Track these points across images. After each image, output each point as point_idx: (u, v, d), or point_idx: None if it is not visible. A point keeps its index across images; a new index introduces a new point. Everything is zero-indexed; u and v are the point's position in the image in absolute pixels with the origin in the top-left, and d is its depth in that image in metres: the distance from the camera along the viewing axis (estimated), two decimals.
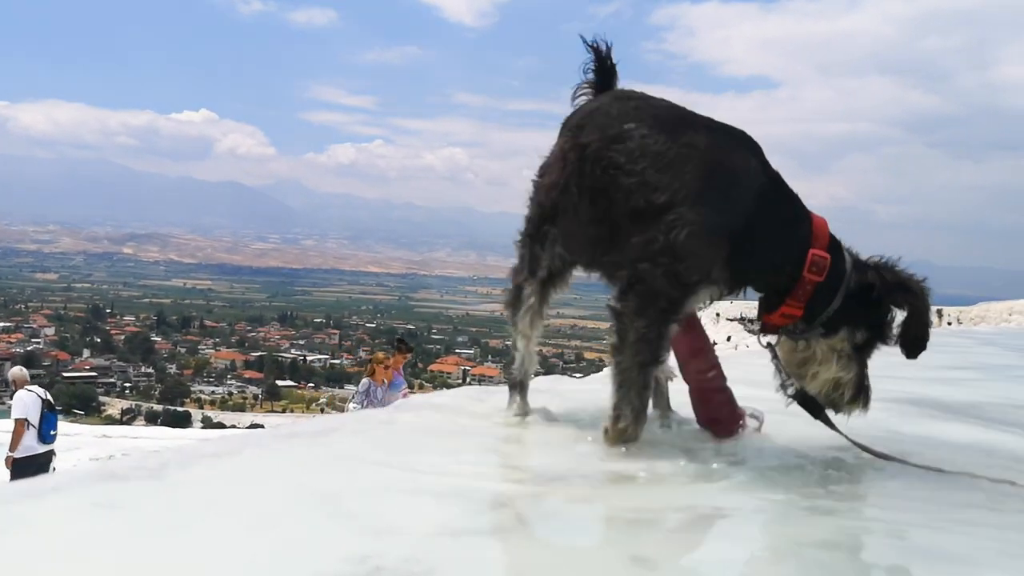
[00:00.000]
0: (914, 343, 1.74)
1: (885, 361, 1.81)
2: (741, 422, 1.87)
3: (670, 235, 1.65)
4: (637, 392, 1.70)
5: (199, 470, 1.40)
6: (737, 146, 1.82)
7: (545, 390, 2.34)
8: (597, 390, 2.37)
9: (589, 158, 1.79)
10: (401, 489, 1.37)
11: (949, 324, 10.39)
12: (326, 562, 1.02)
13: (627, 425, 1.69)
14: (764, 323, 1.84)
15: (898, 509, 1.45)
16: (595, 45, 2.06)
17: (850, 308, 1.74)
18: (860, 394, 1.80)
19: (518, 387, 2.02)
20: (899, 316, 1.77)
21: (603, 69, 2.06)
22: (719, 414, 1.87)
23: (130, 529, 1.11)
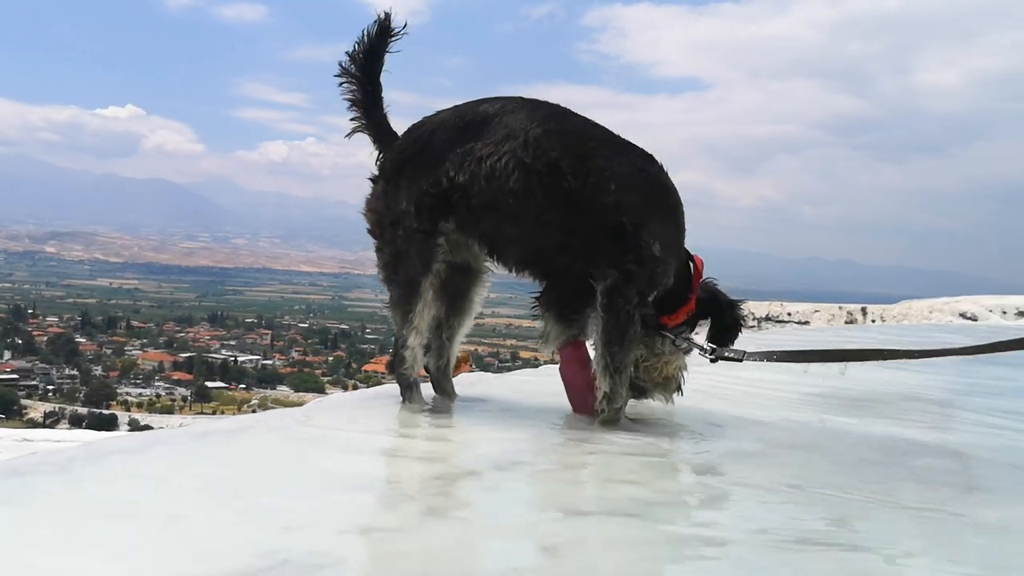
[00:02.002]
0: (732, 338, 2.20)
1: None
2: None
3: (651, 246, 1.99)
4: (625, 378, 2.00)
5: (108, 466, 1.40)
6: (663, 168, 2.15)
7: (469, 384, 2.38)
8: (517, 386, 2.43)
9: (564, 172, 1.98)
10: (313, 485, 1.39)
11: (873, 321, 10.66)
12: (233, 557, 1.03)
13: (620, 406, 2.00)
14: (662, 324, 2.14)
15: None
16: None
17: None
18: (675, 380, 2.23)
19: (414, 385, 2.10)
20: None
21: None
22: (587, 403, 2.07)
23: (31, 526, 1.11)
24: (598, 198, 1.98)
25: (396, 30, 2.15)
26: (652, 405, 2.23)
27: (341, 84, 2.16)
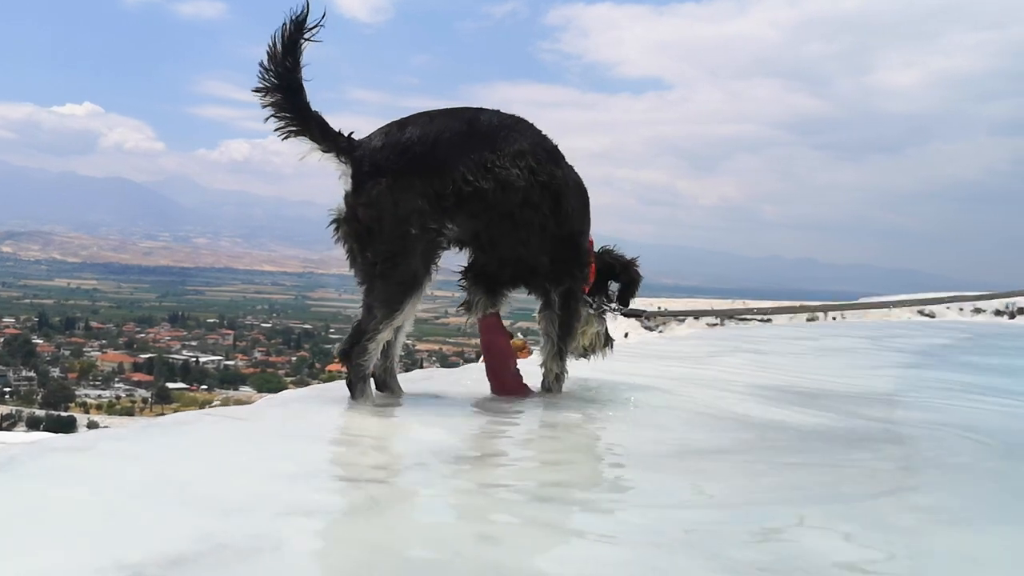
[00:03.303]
0: (631, 293, 2.64)
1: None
2: (525, 390, 2.41)
3: (586, 248, 2.42)
4: (567, 359, 2.44)
5: (50, 462, 1.40)
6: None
7: (419, 380, 2.40)
8: (464, 381, 2.45)
9: (557, 186, 2.28)
10: (256, 473, 1.39)
11: (834, 319, 10.78)
12: (170, 541, 1.04)
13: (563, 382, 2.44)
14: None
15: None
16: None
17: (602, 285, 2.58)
18: (608, 340, 2.68)
19: (367, 378, 2.13)
20: None
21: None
22: (513, 387, 2.36)
23: None
24: (566, 209, 2.31)
25: (312, 24, 2.06)
26: (614, 400, 2.37)
27: (261, 89, 2.06)
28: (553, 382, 2.43)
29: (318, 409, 1.98)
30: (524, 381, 2.39)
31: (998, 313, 10.17)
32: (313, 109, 2.10)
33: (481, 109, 2.23)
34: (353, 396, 2.07)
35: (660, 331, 11.00)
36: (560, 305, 2.38)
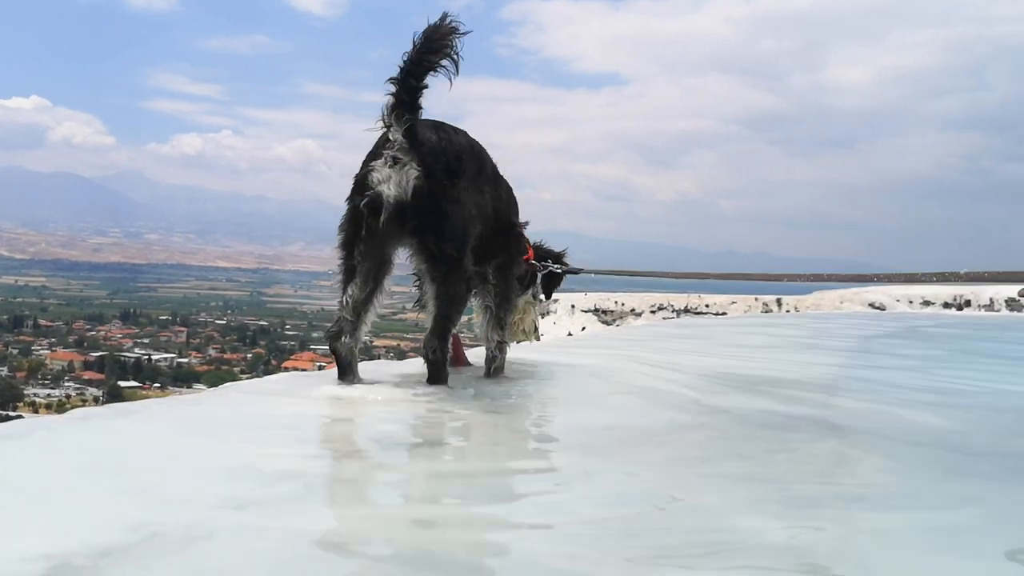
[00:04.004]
0: (551, 292, 3.01)
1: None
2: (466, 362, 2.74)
3: (519, 236, 2.71)
4: (505, 330, 2.67)
5: None
6: None
7: (371, 370, 2.40)
8: (410, 373, 2.45)
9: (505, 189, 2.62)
10: (193, 464, 1.39)
11: (788, 312, 10.97)
12: (102, 532, 1.04)
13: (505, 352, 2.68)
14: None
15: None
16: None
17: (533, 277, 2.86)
18: (536, 328, 3.00)
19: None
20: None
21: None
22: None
23: None
24: (507, 205, 2.63)
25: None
26: (553, 387, 2.48)
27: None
28: (495, 349, 2.64)
29: (261, 400, 1.97)
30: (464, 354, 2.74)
31: (946, 305, 10.40)
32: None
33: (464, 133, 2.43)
34: (441, 380, 2.23)
35: (617, 325, 11.06)
36: (496, 277, 2.59)
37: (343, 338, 2.23)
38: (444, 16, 2.13)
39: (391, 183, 2.11)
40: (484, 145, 2.47)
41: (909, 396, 2.50)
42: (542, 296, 2.96)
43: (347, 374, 2.27)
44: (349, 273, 2.23)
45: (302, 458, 1.45)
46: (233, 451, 1.49)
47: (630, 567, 1.02)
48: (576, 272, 2.96)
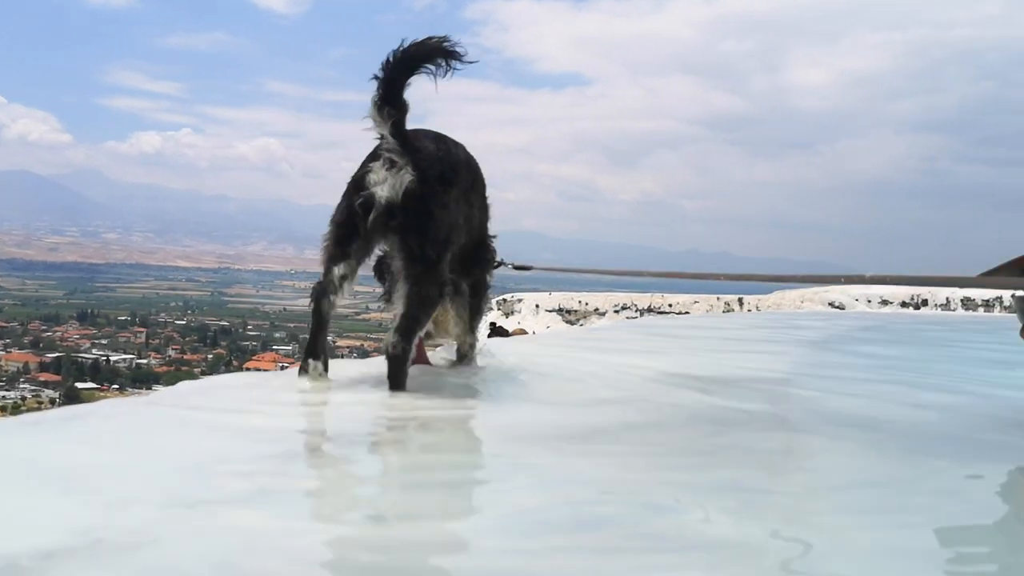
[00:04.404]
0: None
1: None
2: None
3: (491, 248, 2.79)
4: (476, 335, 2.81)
5: None
6: None
7: (331, 369, 2.39)
8: (370, 372, 2.45)
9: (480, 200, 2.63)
10: (144, 465, 1.37)
11: (749, 311, 11.10)
12: (48, 533, 1.03)
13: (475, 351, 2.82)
14: None
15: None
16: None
17: None
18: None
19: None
20: None
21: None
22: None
23: None
24: (483, 215, 2.69)
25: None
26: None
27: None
28: (467, 349, 2.82)
29: (215, 398, 1.95)
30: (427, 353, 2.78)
31: (904, 305, 10.58)
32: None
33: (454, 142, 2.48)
34: (401, 378, 2.20)
35: (581, 324, 11.11)
36: (472, 293, 2.71)
37: (330, 296, 2.31)
38: (444, 38, 2.22)
39: (385, 185, 2.18)
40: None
41: (861, 391, 2.54)
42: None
43: (317, 344, 2.34)
44: (336, 258, 2.30)
45: (256, 457, 1.44)
46: (185, 450, 1.48)
47: (580, 561, 1.02)
48: (525, 269, 2.98)
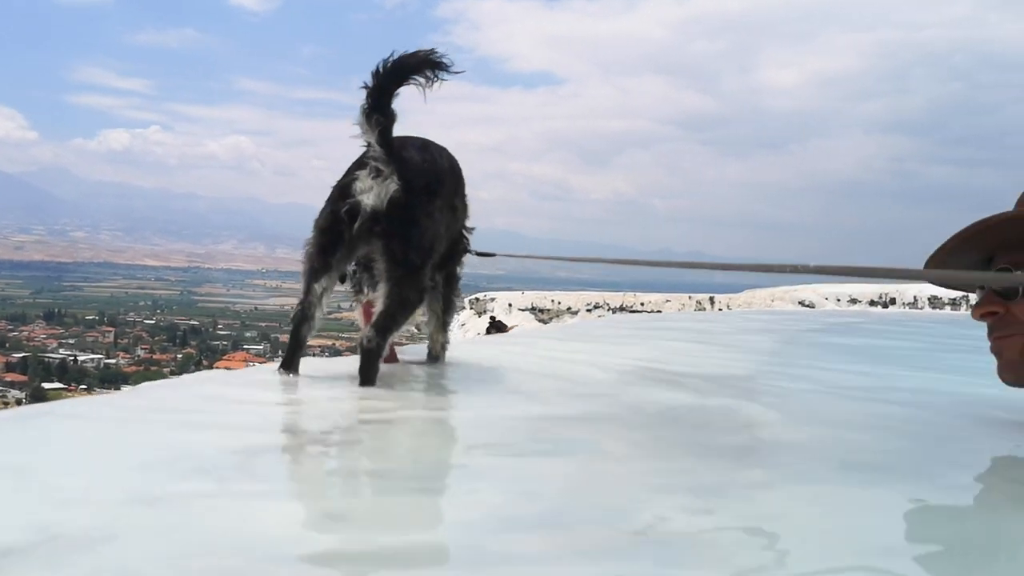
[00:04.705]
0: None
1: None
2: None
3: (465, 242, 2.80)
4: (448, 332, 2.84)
5: None
6: None
7: (301, 367, 2.40)
8: (340, 370, 2.45)
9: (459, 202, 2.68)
10: (102, 463, 1.36)
11: (720, 310, 11.17)
12: (3, 531, 1.01)
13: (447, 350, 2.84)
14: None
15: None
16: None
17: None
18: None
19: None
20: None
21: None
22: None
23: None
24: (462, 213, 2.72)
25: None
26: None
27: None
28: (439, 350, 2.82)
29: (179, 396, 1.95)
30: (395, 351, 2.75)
31: (872, 304, 10.72)
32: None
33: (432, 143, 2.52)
34: (372, 373, 2.22)
35: (554, 323, 11.14)
36: (444, 285, 2.76)
37: (310, 321, 2.36)
38: (432, 51, 2.26)
39: (371, 193, 2.22)
40: None
41: (824, 388, 2.57)
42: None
43: (293, 362, 2.37)
44: (319, 271, 2.33)
45: (217, 454, 1.43)
46: (145, 448, 1.47)
47: (537, 558, 1.03)
48: (488, 255, 2.99)
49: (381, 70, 2.20)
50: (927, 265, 2.04)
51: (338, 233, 2.27)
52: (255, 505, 1.20)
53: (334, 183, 2.34)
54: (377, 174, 2.22)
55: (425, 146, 2.44)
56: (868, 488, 1.42)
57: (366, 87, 2.20)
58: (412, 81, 2.25)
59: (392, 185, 2.21)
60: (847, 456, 1.70)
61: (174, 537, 1.06)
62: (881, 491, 1.41)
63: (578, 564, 1.01)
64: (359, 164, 2.28)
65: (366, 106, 2.20)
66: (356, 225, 2.23)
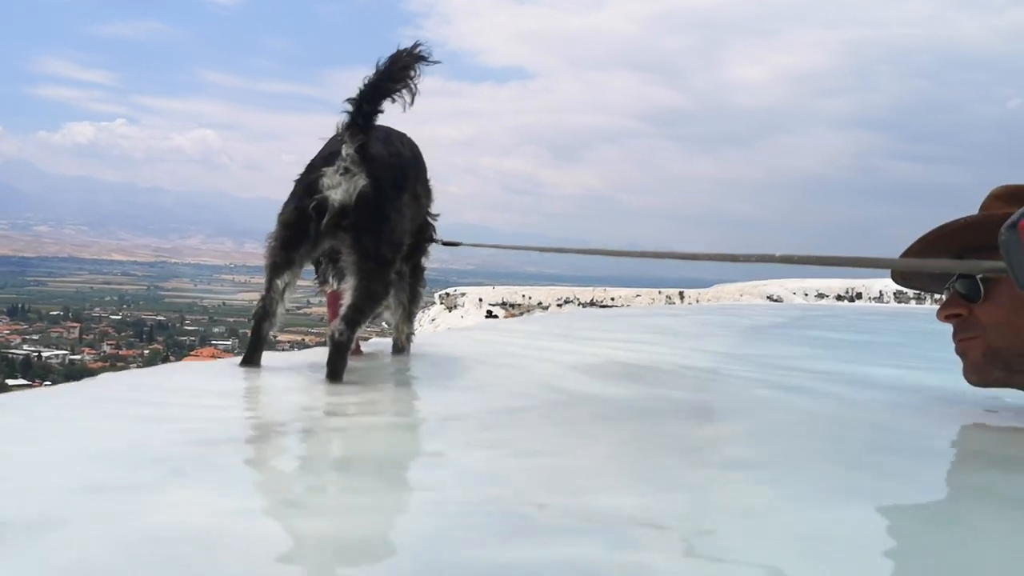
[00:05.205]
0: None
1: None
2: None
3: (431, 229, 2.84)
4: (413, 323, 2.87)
5: None
6: None
7: (264, 360, 2.39)
8: (302, 362, 2.45)
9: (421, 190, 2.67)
10: (55, 453, 1.35)
11: (689, 304, 11.26)
12: None
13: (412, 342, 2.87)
14: None
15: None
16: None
17: None
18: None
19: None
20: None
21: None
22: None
23: None
24: (426, 203, 2.74)
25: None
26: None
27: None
28: (404, 341, 2.83)
29: (134, 387, 1.93)
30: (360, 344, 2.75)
31: (839, 298, 10.85)
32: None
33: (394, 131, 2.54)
34: (340, 364, 2.19)
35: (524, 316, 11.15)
36: (411, 275, 2.79)
37: (271, 318, 2.36)
38: (415, 45, 2.27)
39: (339, 189, 2.22)
40: None
41: (783, 379, 2.60)
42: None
43: (255, 358, 2.37)
44: (281, 267, 2.33)
45: (173, 444, 1.42)
46: (99, 438, 1.46)
47: (490, 542, 1.04)
48: (454, 245, 3.01)
49: (367, 86, 2.23)
50: (893, 272, 2.08)
51: (303, 229, 2.28)
52: (210, 495, 1.19)
53: (295, 178, 2.36)
54: (345, 171, 2.23)
55: (388, 138, 2.44)
56: (819, 478, 1.45)
57: (351, 102, 2.23)
58: (396, 97, 2.28)
59: (361, 181, 2.22)
60: (800, 446, 1.72)
61: (125, 525, 1.05)
62: (830, 479, 1.43)
63: (532, 548, 1.01)
64: (325, 161, 2.28)
65: (349, 123, 2.24)
66: (324, 221, 2.23)
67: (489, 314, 9.54)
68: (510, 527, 1.09)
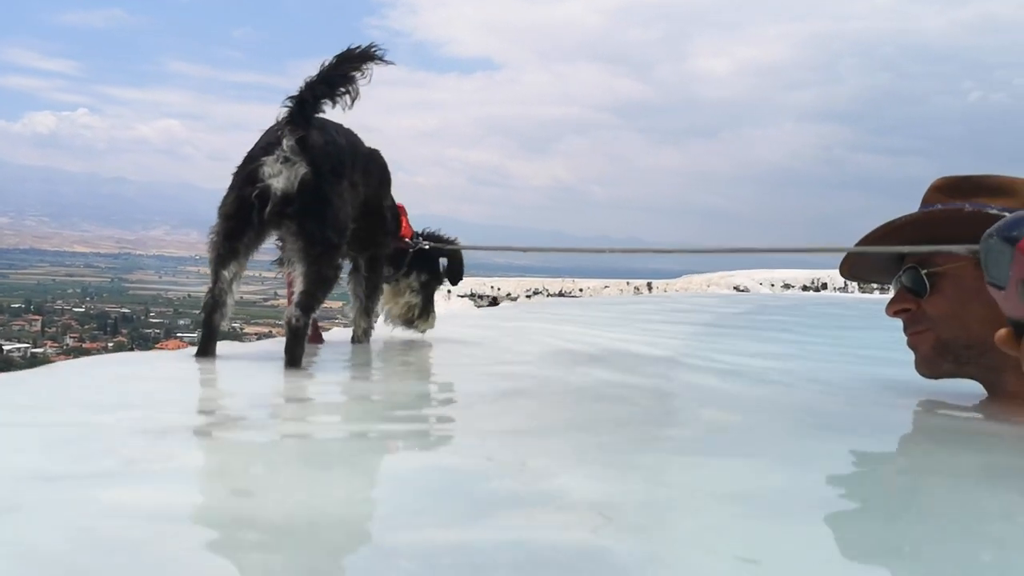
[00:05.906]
0: (455, 277, 3.15)
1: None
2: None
3: (390, 221, 2.88)
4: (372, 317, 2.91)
5: None
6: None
7: (223, 349, 2.39)
8: (259, 350, 2.44)
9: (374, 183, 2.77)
10: (5, 441, 1.34)
11: (655, 294, 11.31)
12: None
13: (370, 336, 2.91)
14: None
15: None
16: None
17: (416, 260, 3.01)
18: (425, 313, 3.07)
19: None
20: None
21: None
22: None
23: None
24: (379, 191, 2.81)
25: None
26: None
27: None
28: (361, 335, 2.87)
29: (92, 375, 1.92)
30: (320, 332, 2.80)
31: (805, 288, 10.97)
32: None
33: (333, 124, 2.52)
34: (298, 351, 2.22)
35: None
36: (367, 268, 2.83)
37: (221, 309, 2.37)
38: (370, 45, 2.31)
39: (280, 178, 2.24)
40: (357, 129, 2.67)
41: (742, 367, 2.63)
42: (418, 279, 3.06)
43: (209, 349, 2.37)
44: (226, 258, 2.34)
45: (127, 432, 1.42)
46: (51, 427, 1.45)
47: (441, 526, 1.04)
48: (452, 247, 3.07)
49: (306, 92, 2.27)
50: (842, 266, 2.12)
51: (245, 218, 2.29)
52: (161, 482, 1.19)
53: (233, 171, 2.36)
54: (286, 160, 2.25)
55: (324, 127, 2.44)
56: (775, 459, 1.47)
57: (292, 100, 2.26)
58: (340, 94, 2.30)
59: (302, 169, 2.24)
60: (761, 438, 1.74)
61: (76, 511, 1.04)
62: (778, 458, 1.46)
63: (484, 531, 1.03)
64: (263, 150, 2.29)
65: (288, 119, 2.27)
66: (267, 209, 2.25)
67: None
68: (462, 510, 1.10)
